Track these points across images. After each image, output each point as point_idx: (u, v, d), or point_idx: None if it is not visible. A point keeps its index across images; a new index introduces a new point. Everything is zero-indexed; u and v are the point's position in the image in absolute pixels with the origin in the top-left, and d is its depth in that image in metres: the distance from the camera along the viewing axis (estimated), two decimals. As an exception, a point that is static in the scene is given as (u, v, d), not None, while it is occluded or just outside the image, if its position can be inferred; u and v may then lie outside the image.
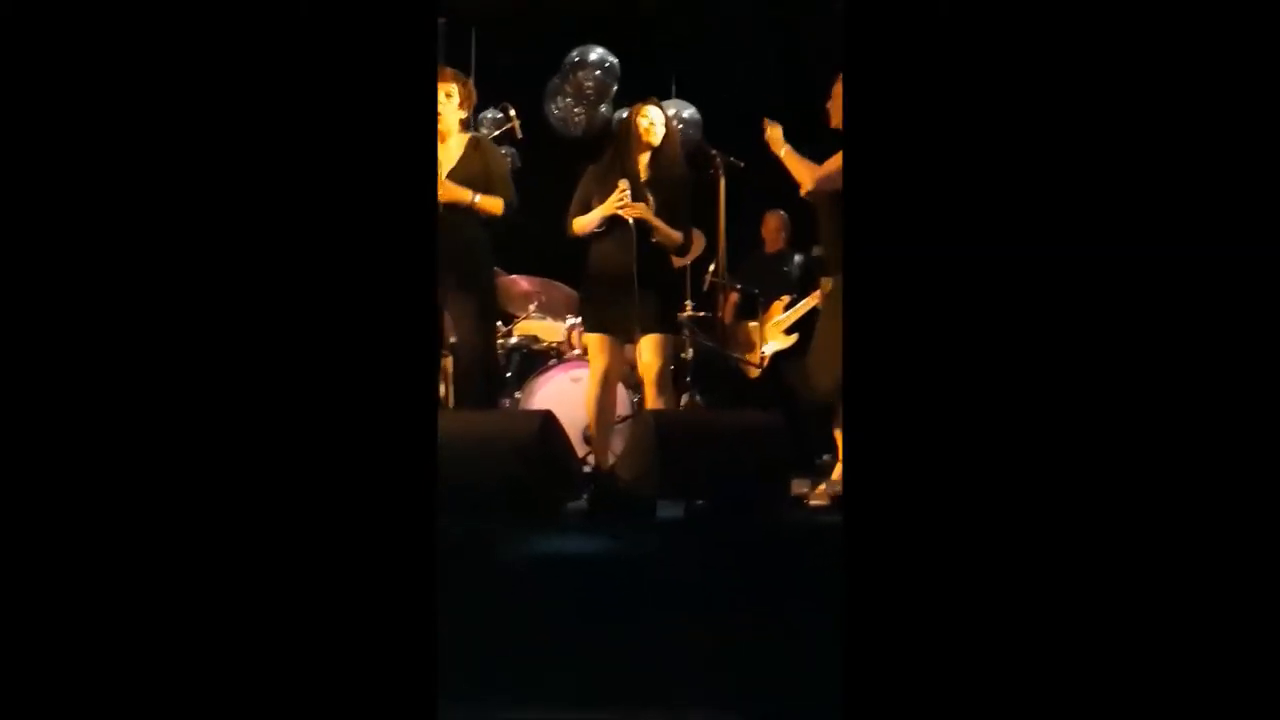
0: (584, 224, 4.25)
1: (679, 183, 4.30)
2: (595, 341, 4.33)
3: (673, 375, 4.42)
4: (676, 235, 4.27)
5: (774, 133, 4.10)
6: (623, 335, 4.28)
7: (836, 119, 3.98)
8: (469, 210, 4.17)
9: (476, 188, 4.19)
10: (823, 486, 4.00)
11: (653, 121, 4.25)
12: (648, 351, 4.25)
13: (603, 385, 4.30)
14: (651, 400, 4.29)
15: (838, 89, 3.95)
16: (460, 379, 4.47)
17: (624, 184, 4.14)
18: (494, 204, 4.22)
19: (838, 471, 3.99)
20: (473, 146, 4.30)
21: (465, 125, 4.33)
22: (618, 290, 4.20)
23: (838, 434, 4.06)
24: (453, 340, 4.61)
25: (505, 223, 4.34)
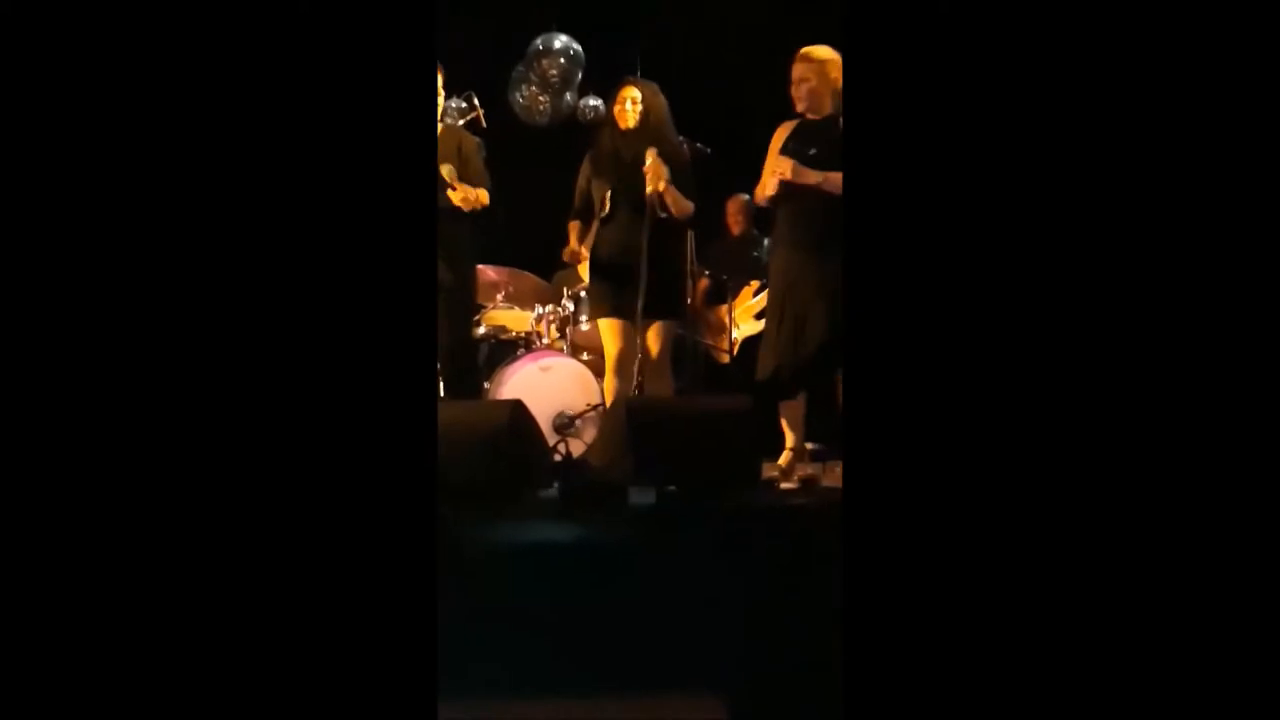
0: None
1: (677, 153, 4.29)
2: (608, 326, 4.31)
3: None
4: (688, 205, 4.26)
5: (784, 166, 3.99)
6: (632, 319, 4.27)
7: (801, 104, 3.98)
8: (446, 201, 4.16)
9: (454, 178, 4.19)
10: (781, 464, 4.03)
11: (638, 99, 4.24)
12: (650, 337, 4.26)
13: (618, 369, 4.29)
14: (650, 385, 4.31)
15: (798, 71, 3.95)
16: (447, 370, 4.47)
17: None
18: (479, 195, 4.23)
19: (784, 457, 4.02)
20: (449, 136, 4.28)
21: (471, 124, 4.34)
22: (629, 274, 4.18)
23: (783, 422, 4.06)
24: None
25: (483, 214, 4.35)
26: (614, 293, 4.27)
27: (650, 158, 4.13)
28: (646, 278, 4.10)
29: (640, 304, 4.12)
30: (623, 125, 4.27)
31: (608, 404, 4.37)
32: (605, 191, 4.27)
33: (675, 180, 4.21)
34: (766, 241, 5.91)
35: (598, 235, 4.33)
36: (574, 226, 4.42)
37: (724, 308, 5.50)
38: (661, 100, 4.38)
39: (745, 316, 5.55)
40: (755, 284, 5.56)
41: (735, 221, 5.89)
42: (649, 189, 4.13)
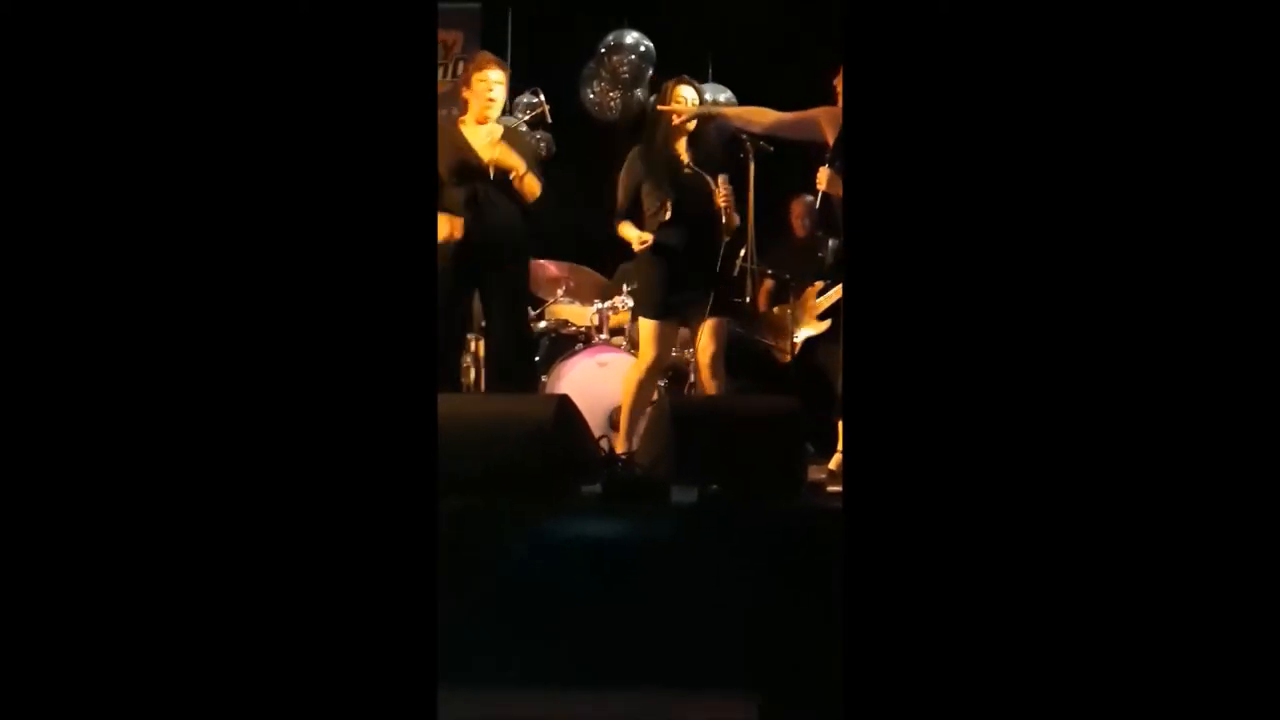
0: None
1: (718, 162, 4.29)
2: (650, 328, 4.32)
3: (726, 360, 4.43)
4: (735, 218, 4.28)
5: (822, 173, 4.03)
6: (679, 321, 4.29)
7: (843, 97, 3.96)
8: (508, 191, 4.21)
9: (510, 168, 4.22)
10: (830, 468, 3.99)
11: (686, 101, 4.23)
12: (705, 336, 4.27)
13: (648, 372, 4.32)
14: (706, 384, 4.32)
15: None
16: (492, 361, 4.51)
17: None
18: (533, 185, 4.25)
19: (836, 460, 3.97)
20: (509, 134, 4.32)
21: (538, 118, 4.43)
22: (676, 278, 4.22)
23: (839, 424, 4.05)
24: (483, 324, 4.64)
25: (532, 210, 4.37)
26: (666, 294, 4.28)
27: (723, 186, 4.16)
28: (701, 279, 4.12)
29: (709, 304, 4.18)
30: (675, 121, 4.26)
31: (625, 403, 4.37)
32: (666, 196, 4.26)
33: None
34: (831, 242, 5.88)
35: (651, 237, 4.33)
36: (624, 227, 4.41)
37: (786, 308, 5.48)
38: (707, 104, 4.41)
39: (808, 317, 5.52)
40: (819, 284, 5.52)
41: (799, 223, 5.86)
42: (721, 205, 4.17)
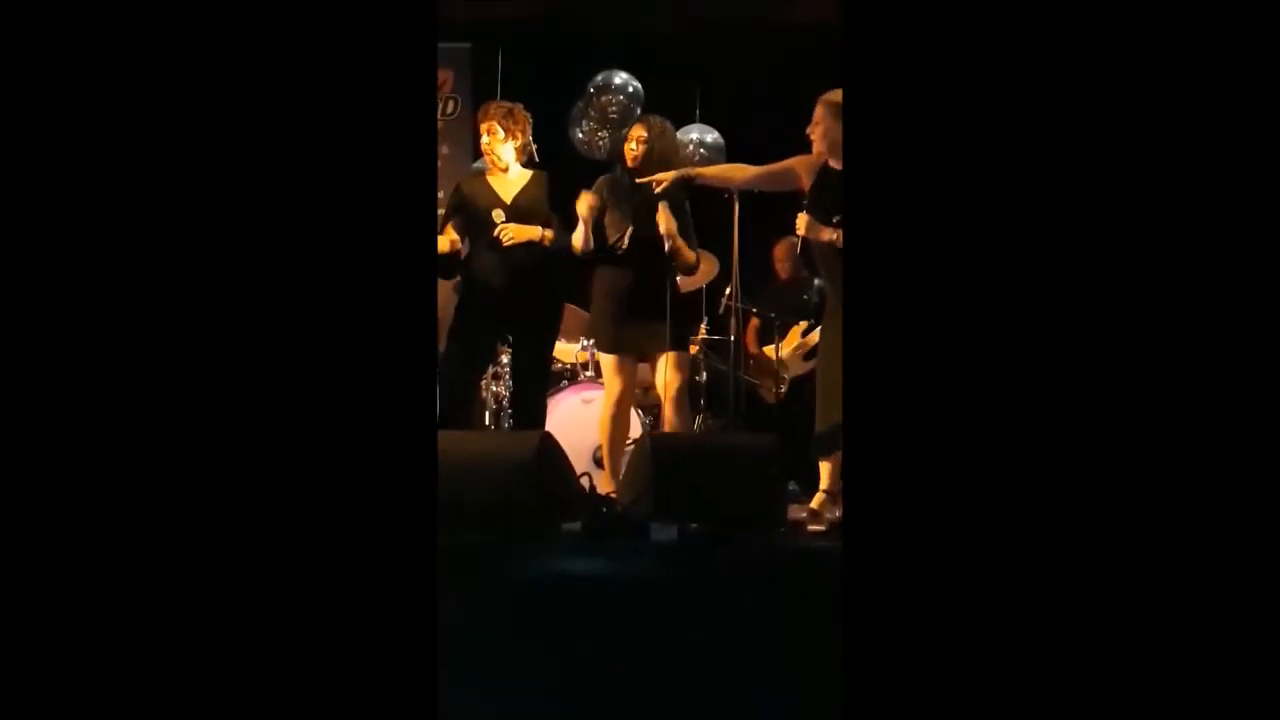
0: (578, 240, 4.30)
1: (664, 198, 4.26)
2: (610, 363, 4.34)
3: (689, 395, 4.42)
4: (692, 257, 4.29)
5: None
6: (636, 355, 4.28)
7: (817, 145, 3.97)
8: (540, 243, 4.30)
9: (535, 220, 4.32)
10: (812, 506, 3.99)
11: (642, 138, 4.28)
12: (666, 369, 4.27)
13: (617, 406, 4.32)
14: (669, 419, 4.30)
15: (818, 114, 3.94)
16: (520, 400, 4.57)
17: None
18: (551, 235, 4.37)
19: (818, 499, 3.97)
20: (535, 182, 4.40)
21: (528, 157, 4.46)
22: (631, 309, 4.23)
23: (822, 464, 4.02)
24: (507, 364, 4.81)
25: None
26: (617, 328, 4.30)
27: (662, 214, 4.17)
28: (654, 313, 4.18)
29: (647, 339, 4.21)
30: (629, 163, 4.30)
31: (603, 441, 4.38)
32: (625, 227, 4.29)
33: (647, 224, 4.24)
34: (817, 282, 5.91)
35: (600, 270, 4.36)
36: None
37: (772, 348, 5.50)
38: (669, 138, 4.40)
39: (794, 357, 5.54)
40: (804, 324, 5.55)
41: (783, 265, 5.88)
42: (663, 232, 4.18)
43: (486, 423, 5.22)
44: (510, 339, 4.60)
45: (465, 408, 4.45)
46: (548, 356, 4.57)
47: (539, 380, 4.50)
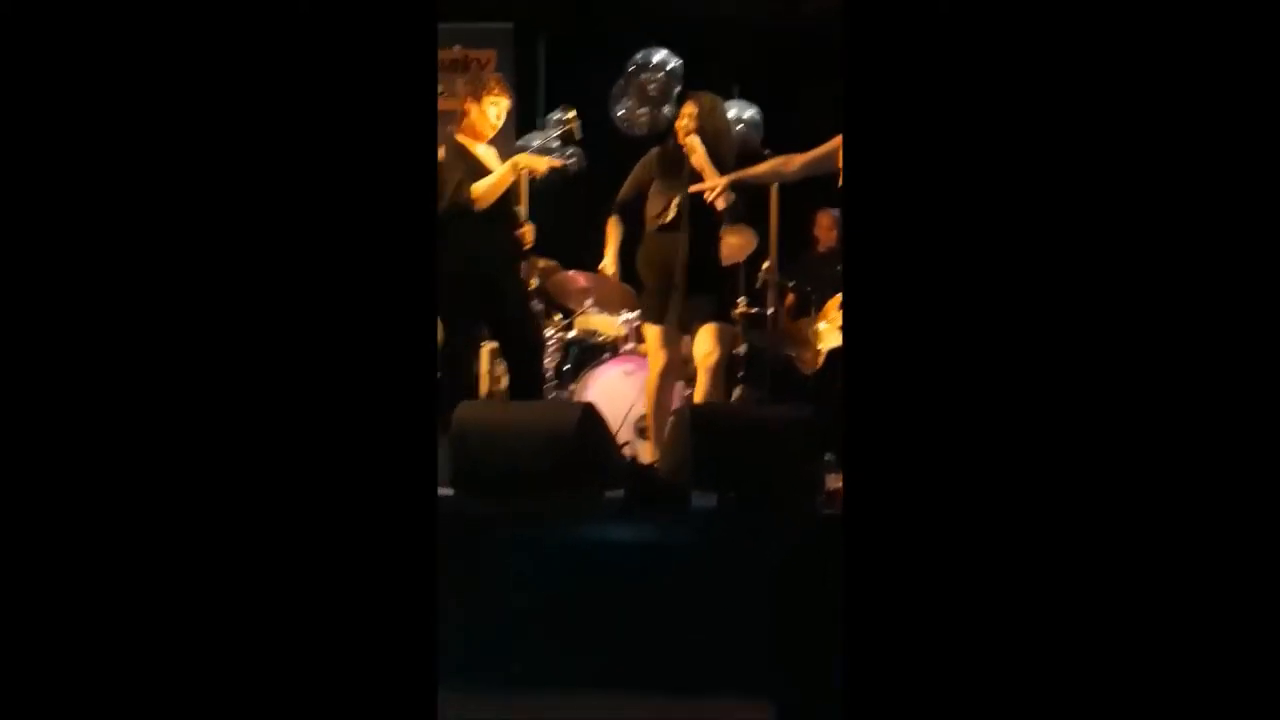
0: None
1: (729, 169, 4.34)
2: (655, 334, 4.41)
3: (726, 368, 4.48)
4: (717, 178, 4.28)
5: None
6: (682, 327, 4.35)
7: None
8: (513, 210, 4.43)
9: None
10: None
11: (686, 114, 4.36)
12: (704, 341, 4.32)
13: (662, 378, 4.39)
14: (703, 390, 4.34)
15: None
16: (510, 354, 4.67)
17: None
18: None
19: None
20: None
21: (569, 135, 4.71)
22: (673, 281, 4.29)
23: None
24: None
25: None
26: (661, 299, 4.37)
27: (721, 196, 4.23)
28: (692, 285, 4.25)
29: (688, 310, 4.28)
30: (681, 136, 4.38)
31: (649, 412, 4.46)
32: (673, 198, 4.36)
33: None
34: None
35: (645, 242, 4.43)
36: (614, 224, 4.55)
37: (809, 320, 5.56)
38: (720, 115, 4.48)
39: (830, 329, 5.59)
40: (840, 297, 5.59)
41: (826, 236, 5.92)
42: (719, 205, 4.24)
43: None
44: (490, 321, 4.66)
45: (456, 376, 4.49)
46: (534, 325, 4.71)
47: (534, 351, 4.63)
